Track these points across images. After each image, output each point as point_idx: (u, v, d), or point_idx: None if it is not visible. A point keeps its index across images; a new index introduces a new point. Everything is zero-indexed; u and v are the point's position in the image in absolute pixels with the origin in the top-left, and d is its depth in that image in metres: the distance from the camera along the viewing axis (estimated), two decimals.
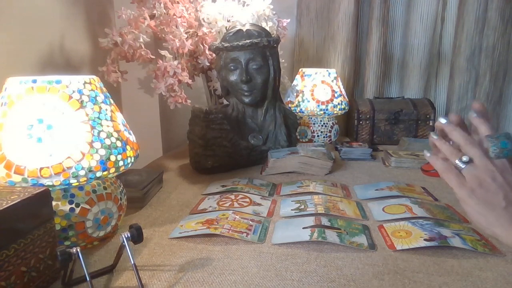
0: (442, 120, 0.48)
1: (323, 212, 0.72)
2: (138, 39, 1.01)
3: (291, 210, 0.75)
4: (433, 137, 0.48)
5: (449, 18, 1.57)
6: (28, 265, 0.47)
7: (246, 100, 1.04)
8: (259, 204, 0.78)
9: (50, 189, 0.52)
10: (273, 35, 1.05)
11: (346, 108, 1.37)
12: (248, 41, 0.99)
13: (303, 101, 1.33)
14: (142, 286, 0.49)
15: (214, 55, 1.08)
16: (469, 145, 0.44)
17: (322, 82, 1.33)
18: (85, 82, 0.58)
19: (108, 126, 0.58)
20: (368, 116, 1.41)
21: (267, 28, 1.10)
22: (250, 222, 0.69)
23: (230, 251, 0.60)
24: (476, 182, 0.44)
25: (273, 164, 1.00)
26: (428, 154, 0.48)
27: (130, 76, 1.09)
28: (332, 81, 1.34)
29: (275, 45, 1.05)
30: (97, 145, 0.56)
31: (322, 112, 1.32)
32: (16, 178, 0.53)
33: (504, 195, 0.43)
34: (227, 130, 1.01)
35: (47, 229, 0.50)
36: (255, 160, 1.07)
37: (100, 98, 0.59)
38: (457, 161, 0.45)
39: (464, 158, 0.44)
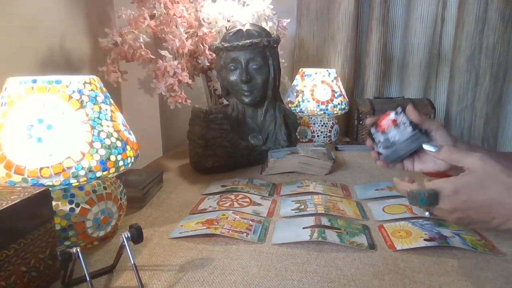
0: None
1: (323, 212, 0.72)
2: (138, 39, 1.01)
3: (291, 210, 0.75)
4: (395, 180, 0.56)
5: (449, 18, 1.56)
6: (28, 265, 0.47)
7: (246, 100, 1.04)
8: (259, 204, 0.78)
9: (50, 189, 0.52)
10: (273, 35, 1.05)
11: (346, 108, 1.37)
12: (248, 41, 0.99)
13: (303, 101, 1.33)
14: (142, 286, 0.49)
15: (214, 55, 1.08)
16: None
17: (322, 82, 1.33)
18: (85, 82, 0.58)
19: (108, 126, 0.58)
20: (368, 116, 1.41)
21: (267, 28, 1.10)
22: (250, 222, 0.69)
23: (230, 251, 0.60)
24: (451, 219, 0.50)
25: (273, 164, 1.00)
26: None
27: (130, 76, 1.09)
28: (332, 81, 1.34)
29: (275, 45, 1.05)
30: (97, 145, 0.56)
31: (322, 112, 1.32)
32: (16, 178, 0.53)
33: (476, 222, 0.49)
34: (227, 130, 1.01)
35: (47, 229, 0.50)
36: (255, 160, 1.07)
37: (100, 98, 0.59)
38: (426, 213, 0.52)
39: (426, 213, 0.52)
